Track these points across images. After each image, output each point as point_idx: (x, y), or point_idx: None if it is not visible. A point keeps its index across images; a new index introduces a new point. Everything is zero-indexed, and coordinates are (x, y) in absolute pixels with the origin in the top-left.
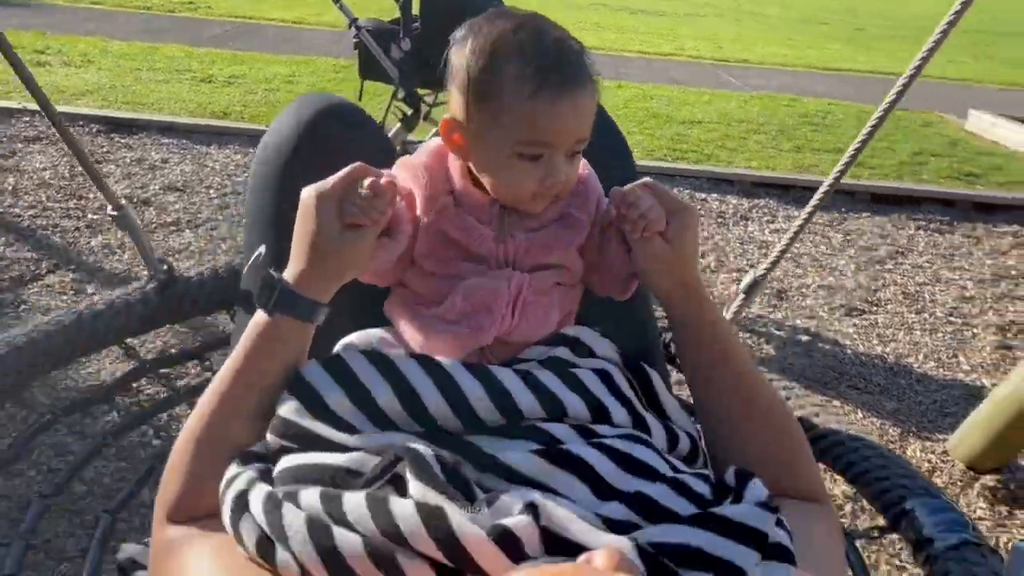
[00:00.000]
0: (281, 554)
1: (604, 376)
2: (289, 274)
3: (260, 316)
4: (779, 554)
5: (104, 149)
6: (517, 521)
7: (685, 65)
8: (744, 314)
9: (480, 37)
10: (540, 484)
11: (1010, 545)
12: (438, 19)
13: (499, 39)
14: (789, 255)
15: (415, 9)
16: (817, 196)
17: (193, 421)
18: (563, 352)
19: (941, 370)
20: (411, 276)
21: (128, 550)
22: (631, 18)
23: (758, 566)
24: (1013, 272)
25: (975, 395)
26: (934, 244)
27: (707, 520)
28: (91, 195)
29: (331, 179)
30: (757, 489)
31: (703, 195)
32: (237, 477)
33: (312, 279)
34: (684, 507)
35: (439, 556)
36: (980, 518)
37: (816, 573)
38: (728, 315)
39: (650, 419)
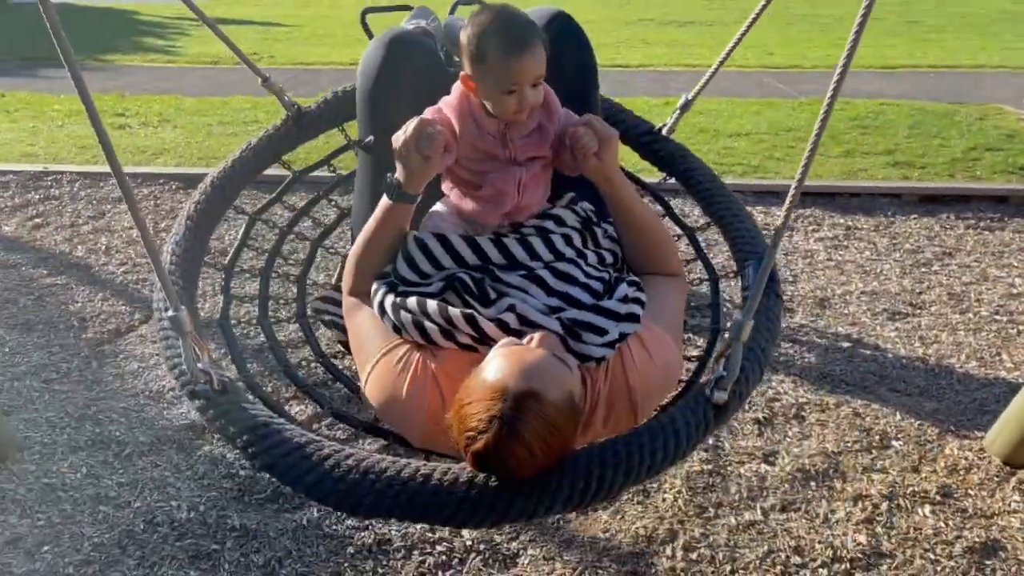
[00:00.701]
0: (403, 332)
1: (567, 238)
2: (400, 178)
3: (385, 201)
4: (631, 319)
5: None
6: (505, 315)
7: (734, 75)
8: (675, 128)
9: (473, 26)
10: (521, 289)
11: None
12: None
13: (484, 26)
14: (833, 262)
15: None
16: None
17: (352, 254)
18: (547, 223)
19: (983, 369)
20: (456, 168)
21: (315, 304)
22: (679, 31)
23: (617, 327)
24: None
25: (1016, 392)
26: (983, 242)
27: (594, 308)
28: None
29: (410, 128)
30: (622, 288)
31: (748, 208)
32: (378, 291)
33: (411, 182)
34: (587, 299)
35: (472, 332)
36: (1014, 511)
37: (661, 324)
38: (669, 124)
39: (588, 253)
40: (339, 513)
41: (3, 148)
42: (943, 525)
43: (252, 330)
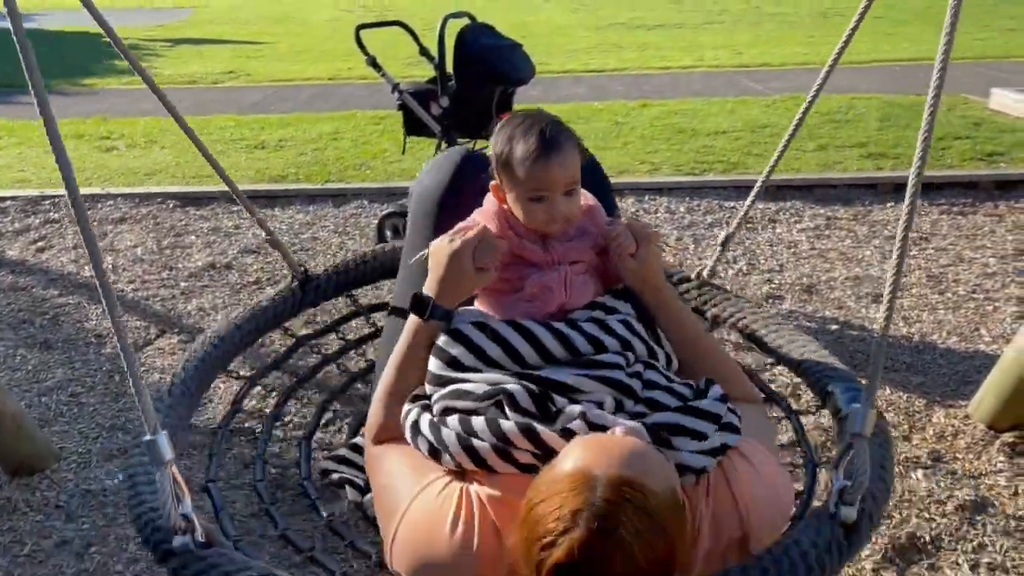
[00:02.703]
0: (443, 456)
1: (627, 324)
2: (434, 294)
3: (414, 321)
4: (731, 429)
5: (183, 222)
6: (576, 424)
7: (707, 76)
8: (719, 265)
9: (502, 131)
10: (590, 393)
11: None
12: (470, 74)
13: (512, 131)
14: (816, 251)
15: (448, 67)
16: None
17: (381, 387)
18: (598, 313)
19: (963, 343)
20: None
21: (324, 464)
22: (649, 34)
23: (717, 433)
24: None
25: (995, 363)
26: (957, 226)
27: (686, 410)
28: (180, 265)
29: (469, 236)
30: (716, 390)
31: (731, 203)
32: (410, 412)
33: (451, 298)
34: (673, 403)
35: (532, 448)
36: (1000, 470)
37: (756, 440)
38: (710, 263)
39: (656, 348)
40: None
41: None
42: (935, 487)
43: (244, 495)
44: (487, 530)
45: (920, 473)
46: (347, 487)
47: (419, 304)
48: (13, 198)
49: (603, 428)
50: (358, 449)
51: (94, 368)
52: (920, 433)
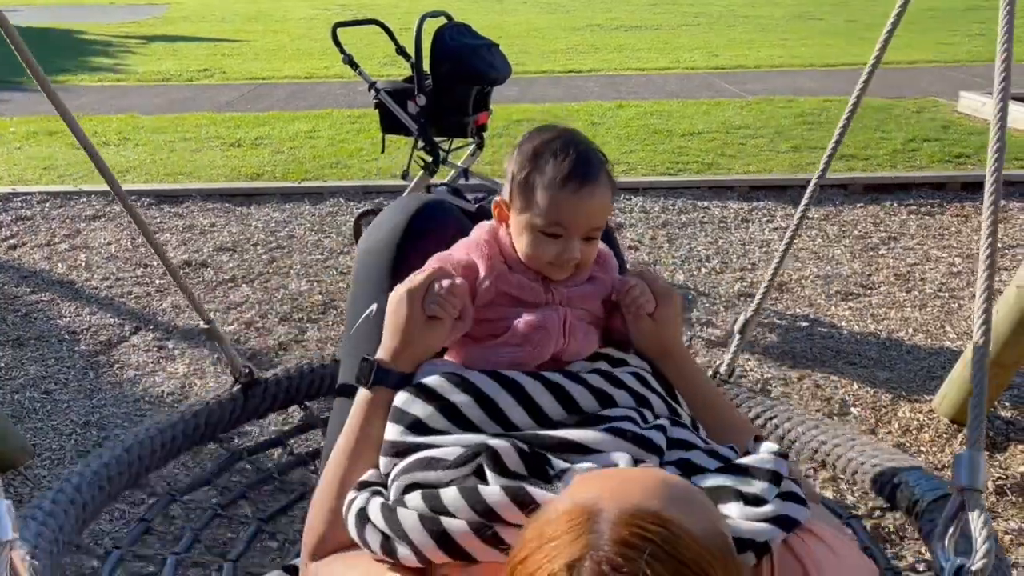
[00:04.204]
0: (401, 549)
1: (640, 377)
2: (382, 354)
3: (362, 394)
4: (796, 499)
5: (157, 220)
6: None
7: (683, 77)
8: (741, 351)
9: (527, 143)
10: (602, 457)
11: (987, 484)
12: (446, 73)
13: (541, 144)
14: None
15: (425, 66)
16: (805, 198)
17: (321, 487)
18: (603, 364)
19: (929, 340)
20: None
21: None
22: (626, 35)
23: (778, 499)
24: (999, 244)
25: (959, 359)
26: (925, 226)
27: (734, 468)
28: (155, 262)
29: (416, 278)
30: (769, 445)
31: (705, 203)
32: (355, 500)
33: (401, 357)
34: (712, 464)
35: (526, 519)
36: None
37: (824, 522)
38: (728, 356)
39: (679, 408)
40: None
41: None
42: None
43: None
44: None
45: None
46: None
47: (363, 369)
48: None
49: None
50: (293, 571)
51: (67, 365)
52: (886, 427)
